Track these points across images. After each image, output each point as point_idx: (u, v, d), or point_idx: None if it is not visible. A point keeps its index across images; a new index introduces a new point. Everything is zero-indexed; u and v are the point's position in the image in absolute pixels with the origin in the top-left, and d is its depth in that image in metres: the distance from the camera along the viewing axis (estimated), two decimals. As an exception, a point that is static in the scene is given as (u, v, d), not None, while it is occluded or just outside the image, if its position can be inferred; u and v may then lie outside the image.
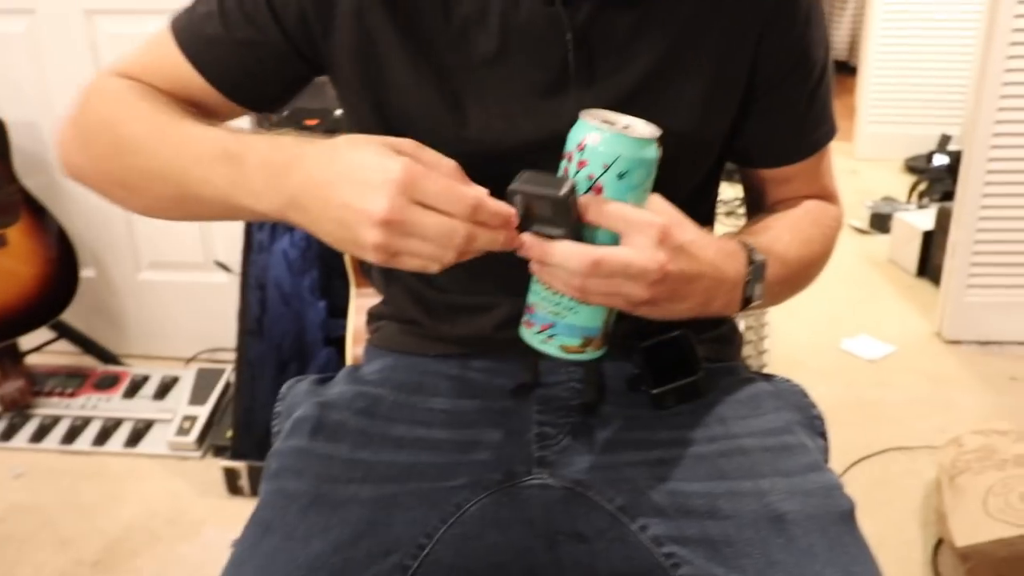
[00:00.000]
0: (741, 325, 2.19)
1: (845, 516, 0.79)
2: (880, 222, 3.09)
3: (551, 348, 0.76)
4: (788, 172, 0.92)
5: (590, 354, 0.77)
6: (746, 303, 0.80)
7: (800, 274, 0.89)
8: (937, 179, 3.28)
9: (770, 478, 0.80)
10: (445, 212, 0.66)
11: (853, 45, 4.85)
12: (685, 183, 0.89)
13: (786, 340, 2.41)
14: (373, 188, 0.65)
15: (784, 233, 0.87)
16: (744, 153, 0.92)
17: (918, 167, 3.53)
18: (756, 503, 0.78)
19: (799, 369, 2.31)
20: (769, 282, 0.81)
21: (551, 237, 0.70)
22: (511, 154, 0.75)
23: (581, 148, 0.70)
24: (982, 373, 2.29)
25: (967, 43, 3.53)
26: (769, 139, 0.90)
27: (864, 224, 3.12)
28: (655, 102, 0.83)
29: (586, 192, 0.70)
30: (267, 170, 0.72)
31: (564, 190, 0.68)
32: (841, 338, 2.45)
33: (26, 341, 2.20)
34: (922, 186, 3.30)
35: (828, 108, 0.91)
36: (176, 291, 2.34)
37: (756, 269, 0.79)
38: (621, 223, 0.70)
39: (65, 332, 2.30)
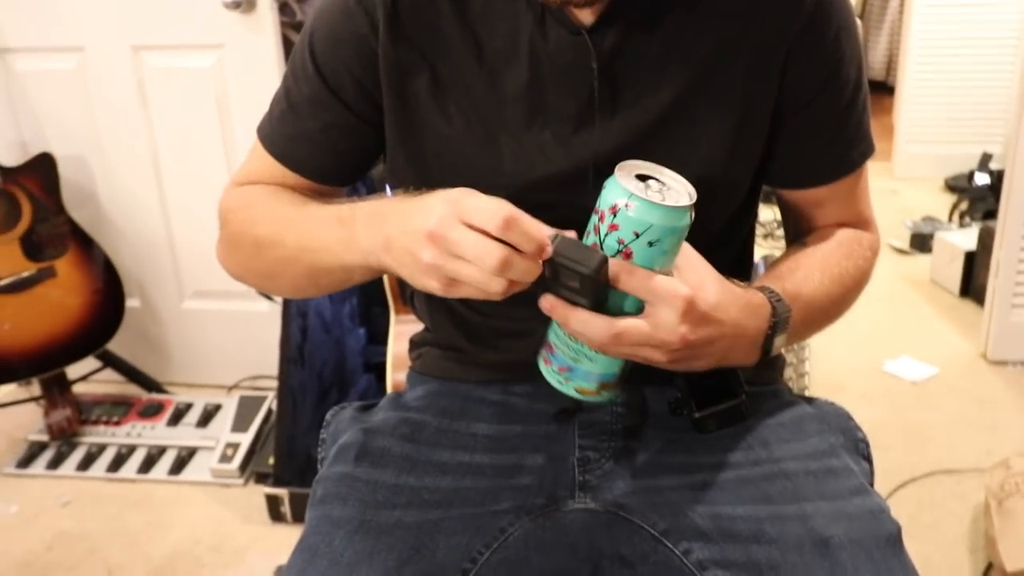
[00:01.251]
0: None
1: (891, 540, 0.79)
2: (921, 242, 3.06)
3: (567, 388, 0.77)
4: (822, 194, 0.92)
5: (605, 397, 0.78)
6: (765, 354, 0.81)
7: (830, 311, 0.89)
8: (979, 198, 3.25)
9: (814, 502, 0.80)
10: (480, 229, 0.67)
11: (890, 64, 4.82)
12: (720, 214, 0.89)
13: (827, 363, 2.39)
14: (430, 209, 0.69)
15: (814, 272, 0.87)
16: (778, 174, 0.92)
17: (959, 186, 3.49)
18: (800, 527, 0.78)
19: (841, 392, 2.29)
20: (796, 325, 0.82)
21: (576, 301, 0.71)
22: (545, 185, 0.77)
23: (614, 212, 0.69)
24: (1029, 394, 2.26)
25: (1007, 60, 3.50)
26: (801, 159, 0.90)
27: (904, 244, 3.09)
28: (683, 131, 0.83)
29: (615, 255, 0.70)
30: (371, 221, 0.77)
31: (593, 267, 0.67)
32: (883, 360, 2.43)
33: (73, 370, 2.24)
34: (963, 205, 3.26)
35: (863, 127, 0.91)
36: (219, 320, 2.37)
37: (779, 323, 0.80)
38: (647, 293, 0.71)
39: (111, 361, 2.34)
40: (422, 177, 0.86)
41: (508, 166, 0.84)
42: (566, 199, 0.72)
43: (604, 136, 0.83)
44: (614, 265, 0.69)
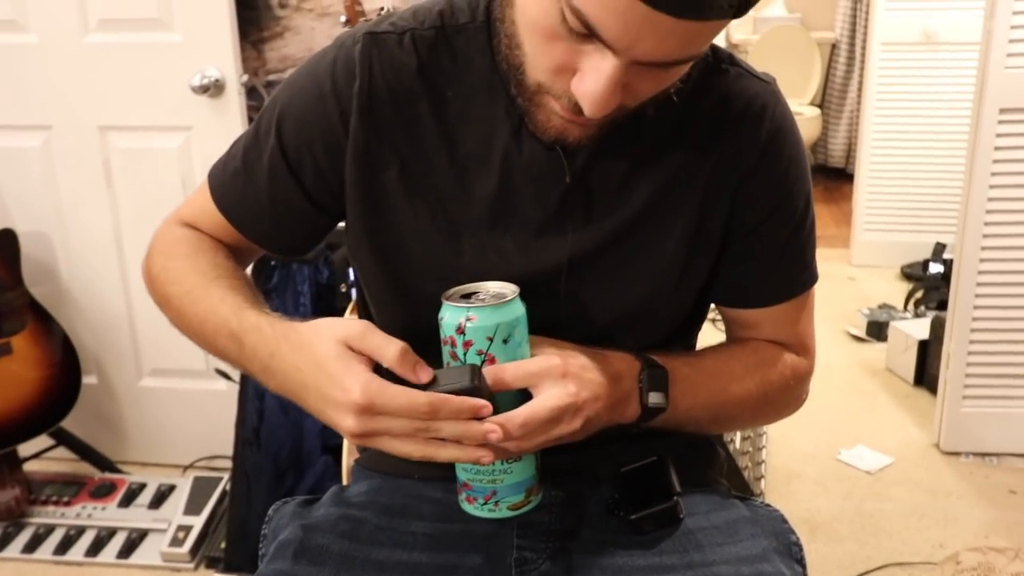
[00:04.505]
0: (736, 438, 2.20)
1: (819, 646, 0.80)
2: (877, 330, 3.11)
3: (501, 512, 0.80)
4: (759, 315, 0.96)
5: (534, 501, 0.81)
6: (646, 409, 0.84)
7: (726, 407, 0.92)
8: (933, 287, 3.31)
9: (744, 607, 0.81)
10: (408, 418, 0.71)
11: (850, 152, 4.95)
12: (672, 318, 0.93)
13: (784, 451, 2.41)
14: (338, 408, 0.72)
15: (711, 355, 0.93)
16: (719, 293, 0.95)
17: (914, 275, 3.56)
18: (730, 633, 0.79)
19: (797, 481, 2.31)
20: (684, 390, 0.86)
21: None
22: None
23: (461, 331, 0.75)
24: (981, 486, 2.28)
25: (959, 153, 3.60)
26: (743, 281, 0.94)
27: (861, 332, 3.14)
28: (643, 242, 0.87)
29: (481, 366, 0.75)
30: (257, 361, 0.80)
31: (471, 375, 0.72)
32: (839, 449, 2.45)
33: (25, 448, 2.20)
34: (918, 294, 3.32)
35: (807, 258, 0.95)
36: (176, 398, 2.36)
37: (650, 378, 0.84)
38: (528, 378, 0.76)
39: (64, 439, 2.30)
40: (382, 266, 0.89)
41: (467, 264, 0.87)
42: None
43: (576, 244, 0.87)
44: (487, 372, 0.74)
